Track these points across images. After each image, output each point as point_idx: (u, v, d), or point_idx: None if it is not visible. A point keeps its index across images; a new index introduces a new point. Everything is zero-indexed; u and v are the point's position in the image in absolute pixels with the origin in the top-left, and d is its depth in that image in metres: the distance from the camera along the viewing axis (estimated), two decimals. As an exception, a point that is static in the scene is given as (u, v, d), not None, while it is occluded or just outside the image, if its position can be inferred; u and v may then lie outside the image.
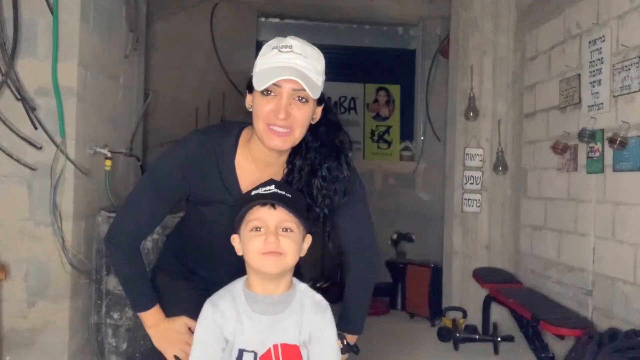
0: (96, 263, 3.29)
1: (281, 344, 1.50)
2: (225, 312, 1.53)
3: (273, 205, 1.50)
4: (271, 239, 1.49)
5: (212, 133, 1.74)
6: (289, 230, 1.51)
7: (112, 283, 3.24)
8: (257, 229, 1.51)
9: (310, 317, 1.55)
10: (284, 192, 1.53)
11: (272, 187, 1.54)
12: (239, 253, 1.56)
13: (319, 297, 1.60)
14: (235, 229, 1.57)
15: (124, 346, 3.24)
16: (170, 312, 1.80)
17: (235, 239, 1.58)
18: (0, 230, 3.06)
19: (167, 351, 1.76)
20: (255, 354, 1.50)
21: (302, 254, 1.57)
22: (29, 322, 3.07)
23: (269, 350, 1.50)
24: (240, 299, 1.54)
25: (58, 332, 3.10)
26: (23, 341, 3.06)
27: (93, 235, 3.32)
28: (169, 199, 1.73)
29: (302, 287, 1.60)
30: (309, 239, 1.60)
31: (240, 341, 1.51)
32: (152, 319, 1.78)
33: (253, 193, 1.54)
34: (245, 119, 1.70)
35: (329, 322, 1.58)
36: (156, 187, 1.71)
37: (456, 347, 4.20)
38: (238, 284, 1.58)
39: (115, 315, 3.24)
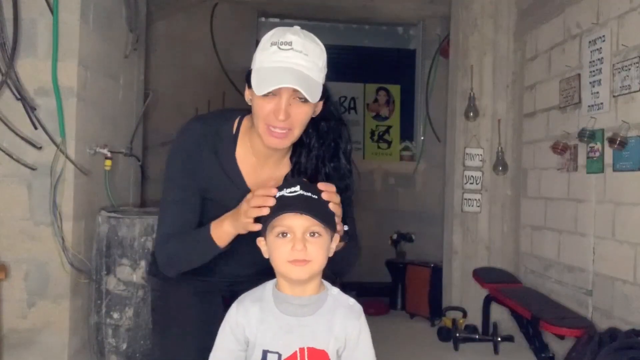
0: (96, 263, 3.28)
1: (308, 348, 1.45)
2: (249, 310, 1.49)
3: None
4: (298, 246, 1.42)
5: (211, 120, 1.72)
6: (316, 235, 1.45)
7: (112, 283, 3.24)
8: (284, 234, 1.45)
9: (344, 322, 1.49)
10: (309, 194, 1.46)
11: (297, 188, 1.47)
12: (266, 256, 1.52)
13: (352, 301, 1.54)
14: (261, 232, 1.51)
15: (124, 346, 3.24)
16: (172, 304, 1.79)
17: (261, 242, 1.52)
18: (0, 230, 3.06)
19: (247, 224, 1.56)
20: (280, 356, 1.45)
21: (331, 254, 1.52)
22: (29, 322, 3.07)
23: (294, 353, 1.45)
24: (268, 299, 1.50)
25: (58, 332, 3.10)
26: (23, 341, 3.06)
27: (93, 235, 3.32)
28: (196, 190, 1.68)
29: (335, 292, 1.54)
30: (336, 238, 1.53)
31: (264, 342, 1.46)
32: (223, 228, 1.61)
33: (277, 195, 1.47)
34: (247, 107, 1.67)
35: (364, 326, 1.51)
36: (179, 188, 1.67)
37: (456, 347, 4.20)
38: (269, 284, 1.54)
39: (115, 315, 3.24)
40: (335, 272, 1.76)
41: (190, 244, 1.66)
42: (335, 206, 1.51)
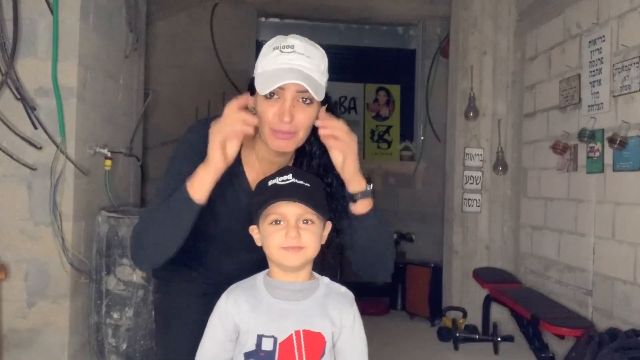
0: (96, 263, 3.29)
1: (304, 330, 1.46)
2: (239, 299, 1.49)
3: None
4: (292, 233, 1.45)
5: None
6: (309, 222, 1.47)
7: (112, 283, 3.24)
8: (277, 222, 1.47)
9: (339, 308, 1.51)
10: (302, 182, 1.48)
11: (290, 176, 1.49)
12: (258, 244, 1.53)
13: (343, 288, 1.57)
14: (253, 220, 1.53)
15: (124, 346, 3.24)
16: (174, 306, 1.79)
17: (253, 230, 1.54)
18: (0, 230, 3.06)
19: (232, 138, 1.54)
20: (275, 339, 1.45)
21: (323, 241, 1.54)
22: (29, 322, 3.07)
23: (290, 336, 1.45)
24: (259, 287, 1.51)
25: (58, 332, 3.10)
26: (23, 341, 3.06)
27: (93, 235, 3.32)
28: None
29: (326, 280, 1.56)
30: (328, 225, 1.56)
31: (257, 327, 1.47)
32: (197, 176, 1.55)
33: (270, 183, 1.49)
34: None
35: (357, 314, 1.54)
36: (176, 178, 1.64)
37: (456, 347, 4.20)
38: (260, 275, 1.56)
39: (115, 315, 3.24)
40: (371, 271, 1.75)
41: (165, 206, 1.58)
42: (343, 142, 1.55)
